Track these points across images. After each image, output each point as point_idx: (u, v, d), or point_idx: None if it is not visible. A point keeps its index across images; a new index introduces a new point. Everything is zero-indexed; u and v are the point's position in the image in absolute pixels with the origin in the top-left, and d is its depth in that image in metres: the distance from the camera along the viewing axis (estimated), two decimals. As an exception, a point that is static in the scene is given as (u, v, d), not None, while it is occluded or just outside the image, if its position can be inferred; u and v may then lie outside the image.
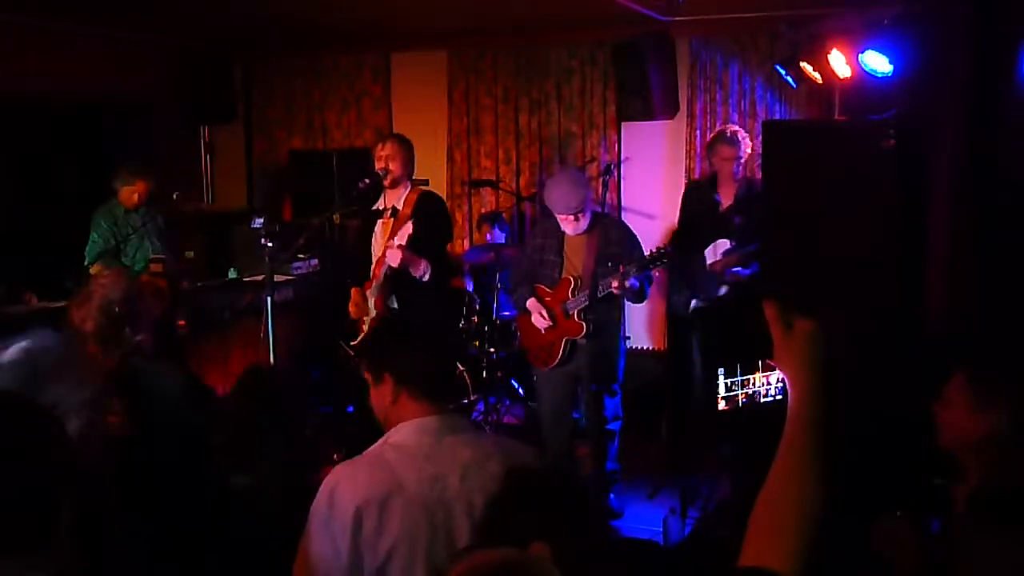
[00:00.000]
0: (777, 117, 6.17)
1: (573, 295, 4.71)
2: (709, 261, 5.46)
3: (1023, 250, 3.63)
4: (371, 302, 4.91)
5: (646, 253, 4.65)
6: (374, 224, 5.00)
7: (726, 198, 5.56)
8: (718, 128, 5.92)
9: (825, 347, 1.42)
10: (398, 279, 4.78)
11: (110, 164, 5.68)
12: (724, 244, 5.45)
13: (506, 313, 6.12)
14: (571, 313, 4.71)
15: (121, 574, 2.01)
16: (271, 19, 6.40)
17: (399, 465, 2.17)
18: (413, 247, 4.63)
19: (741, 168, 5.55)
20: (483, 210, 7.08)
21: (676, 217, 5.95)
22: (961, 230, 3.75)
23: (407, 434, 2.24)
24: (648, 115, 6.34)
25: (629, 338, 6.58)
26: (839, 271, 4.01)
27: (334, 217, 5.94)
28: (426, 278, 4.76)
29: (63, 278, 5.37)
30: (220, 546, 2.17)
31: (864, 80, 4.42)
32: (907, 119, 3.97)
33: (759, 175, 5.86)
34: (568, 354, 4.77)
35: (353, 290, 5.01)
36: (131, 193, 5.51)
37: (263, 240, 4.44)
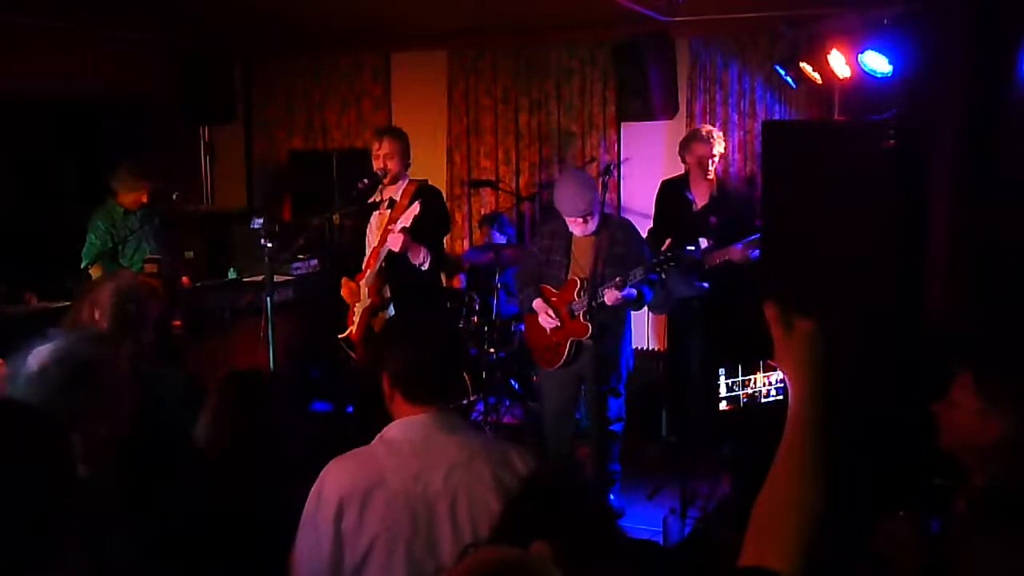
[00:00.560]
0: (777, 117, 6.16)
1: (579, 296, 4.70)
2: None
3: (1023, 250, 3.63)
4: (364, 291, 4.90)
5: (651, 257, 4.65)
6: (369, 216, 4.99)
7: (700, 198, 5.57)
8: (693, 127, 5.94)
9: (825, 347, 1.42)
10: (395, 269, 4.78)
11: (110, 164, 5.67)
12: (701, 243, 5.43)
13: (509, 309, 6.12)
14: (577, 314, 4.71)
15: None
16: (271, 19, 6.40)
17: (386, 460, 2.20)
18: (414, 233, 4.63)
19: (714, 168, 5.55)
20: (483, 210, 7.08)
21: (654, 218, 5.91)
22: (961, 230, 3.75)
23: (398, 431, 2.27)
24: (648, 115, 6.34)
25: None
26: (839, 271, 4.01)
27: (334, 217, 5.94)
28: (425, 266, 4.76)
29: (63, 278, 5.38)
30: (222, 547, 2.17)
31: (864, 80, 4.42)
32: (907, 119, 3.98)
33: (758, 174, 5.88)
34: (573, 355, 4.77)
35: (343, 280, 5.00)
36: (137, 197, 5.49)
37: (263, 240, 4.44)
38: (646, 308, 5.51)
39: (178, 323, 4.99)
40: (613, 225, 4.83)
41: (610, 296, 4.54)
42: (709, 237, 5.35)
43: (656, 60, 6.22)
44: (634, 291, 4.64)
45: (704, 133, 5.60)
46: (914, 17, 4.03)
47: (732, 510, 4.72)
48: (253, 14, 6.18)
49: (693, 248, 5.09)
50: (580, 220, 4.65)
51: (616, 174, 6.66)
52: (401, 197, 4.85)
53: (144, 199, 5.51)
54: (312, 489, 2.20)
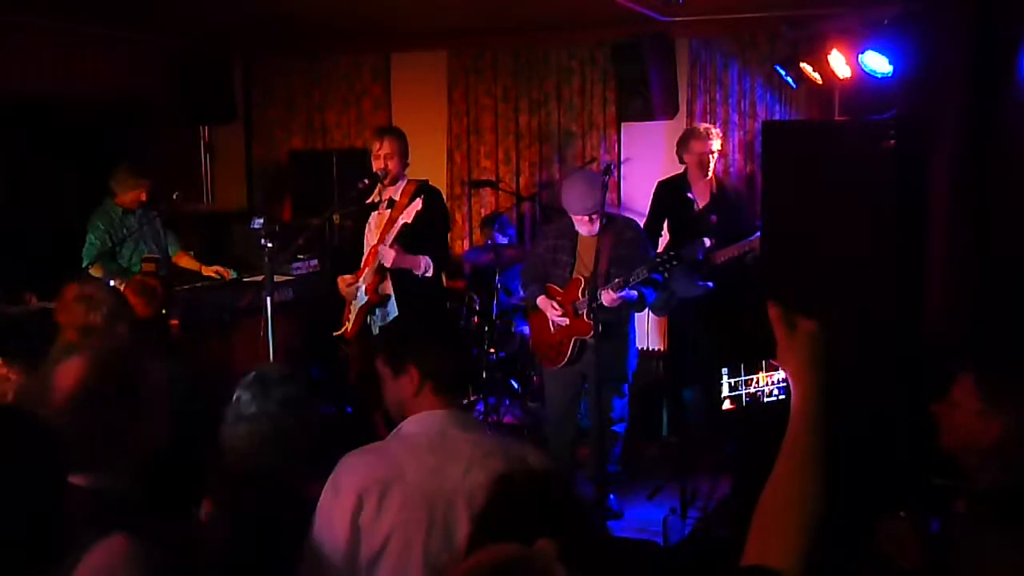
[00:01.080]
0: (777, 117, 6.17)
1: (583, 295, 4.71)
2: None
3: (1023, 250, 3.63)
4: (362, 288, 4.89)
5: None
6: (367, 216, 4.99)
7: (701, 197, 5.56)
8: (690, 126, 5.95)
9: (827, 347, 1.43)
10: (397, 270, 4.79)
11: (110, 164, 5.68)
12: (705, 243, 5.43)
13: (511, 302, 6.12)
14: (581, 312, 4.71)
15: None
16: (271, 19, 6.40)
17: (402, 455, 2.20)
18: (416, 233, 4.63)
19: (712, 165, 5.54)
20: (483, 211, 7.08)
21: (648, 217, 5.90)
22: (961, 230, 3.75)
23: (415, 426, 2.27)
24: (648, 115, 6.34)
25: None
26: (839, 271, 4.01)
27: (334, 217, 5.94)
28: (429, 274, 4.78)
29: (63, 278, 5.37)
30: (253, 550, 2.17)
31: (864, 80, 4.42)
32: (907, 119, 3.98)
33: (758, 174, 5.87)
34: (577, 353, 4.78)
35: (340, 277, 5.00)
36: (136, 196, 5.51)
37: (263, 240, 4.43)
38: (648, 308, 5.52)
39: (175, 322, 4.99)
40: (619, 225, 4.84)
41: (607, 297, 4.55)
42: (711, 236, 5.35)
43: (656, 60, 6.23)
44: (634, 293, 4.64)
45: (701, 130, 5.60)
46: (914, 17, 4.03)
47: (732, 510, 4.72)
48: (253, 14, 6.18)
49: (697, 246, 5.11)
50: (586, 219, 4.65)
51: (616, 174, 6.66)
52: (401, 196, 4.85)
53: (142, 198, 5.52)
54: (327, 484, 2.19)
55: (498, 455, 2.21)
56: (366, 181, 4.86)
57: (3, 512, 1.58)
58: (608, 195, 6.49)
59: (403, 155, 4.88)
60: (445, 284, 5.75)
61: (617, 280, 4.55)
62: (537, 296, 4.85)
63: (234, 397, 2.29)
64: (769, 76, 6.07)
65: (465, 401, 6.04)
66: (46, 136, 6.35)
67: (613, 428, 4.91)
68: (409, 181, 4.92)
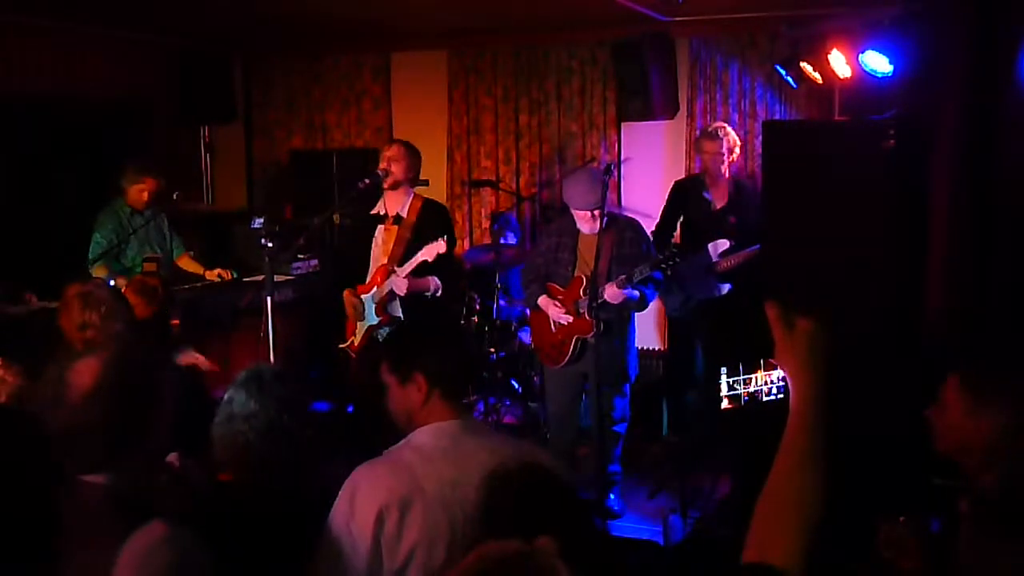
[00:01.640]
0: (777, 117, 6.17)
1: (584, 293, 4.71)
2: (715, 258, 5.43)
3: (1023, 250, 3.63)
4: (371, 309, 4.89)
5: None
6: (373, 228, 4.99)
7: (719, 199, 5.56)
8: (705, 127, 5.94)
9: (826, 346, 1.43)
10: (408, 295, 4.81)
11: (110, 164, 5.68)
12: (719, 245, 5.43)
13: (511, 311, 6.11)
14: (582, 311, 4.71)
15: None
16: (271, 19, 6.40)
17: (419, 468, 2.18)
18: (432, 264, 4.65)
19: (727, 165, 5.53)
20: (484, 211, 7.09)
21: (661, 218, 5.90)
22: (961, 230, 3.75)
23: (428, 437, 2.25)
24: (648, 115, 6.33)
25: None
26: (839, 271, 4.01)
27: (334, 217, 5.94)
28: (439, 294, 4.80)
29: (63, 278, 5.37)
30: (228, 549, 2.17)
31: (864, 80, 4.42)
32: (907, 119, 3.98)
33: (758, 173, 5.87)
34: (578, 352, 4.78)
35: (345, 293, 4.99)
36: (140, 191, 5.51)
37: (263, 240, 4.43)
38: (665, 309, 5.53)
39: (175, 322, 5.00)
40: (621, 224, 4.84)
41: (610, 291, 4.54)
42: (729, 237, 5.35)
43: (656, 60, 6.22)
44: (636, 292, 4.64)
45: (711, 129, 5.60)
46: (914, 17, 4.03)
47: (732, 510, 4.72)
48: (253, 14, 6.18)
49: (705, 249, 5.11)
50: (588, 215, 4.65)
51: (616, 174, 6.66)
52: (409, 213, 4.86)
53: (145, 196, 5.52)
54: (341, 495, 2.17)
55: (514, 461, 2.20)
56: (366, 181, 4.86)
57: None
58: (608, 195, 6.52)
59: (409, 166, 4.86)
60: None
61: (621, 276, 4.55)
62: (538, 296, 4.85)
63: (226, 395, 2.29)
64: (769, 76, 6.07)
65: (465, 401, 6.02)
66: (46, 136, 6.35)
67: (614, 428, 4.91)
68: (415, 196, 4.92)
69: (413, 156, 4.91)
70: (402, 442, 2.29)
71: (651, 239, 4.93)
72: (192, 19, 6.39)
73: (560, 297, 4.80)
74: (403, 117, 7.38)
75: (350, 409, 5.64)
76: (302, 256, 6.34)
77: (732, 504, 4.79)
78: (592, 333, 4.65)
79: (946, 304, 3.81)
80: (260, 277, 5.02)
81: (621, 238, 4.73)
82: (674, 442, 5.75)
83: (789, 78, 5.17)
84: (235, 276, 5.91)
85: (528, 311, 5.23)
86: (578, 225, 4.74)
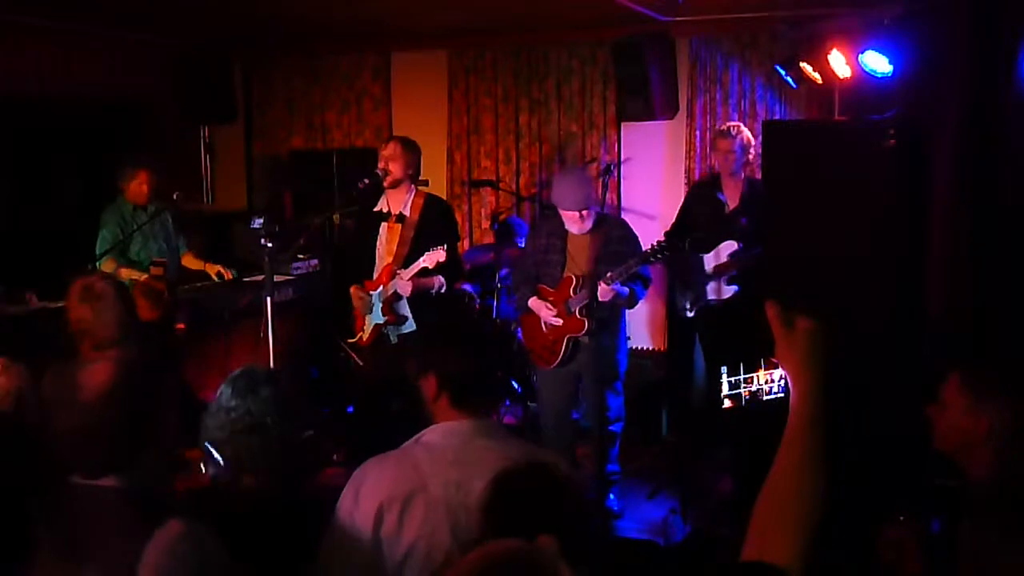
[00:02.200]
0: (777, 117, 6.17)
1: (575, 292, 4.71)
2: (712, 264, 5.42)
3: (1023, 250, 3.63)
4: (378, 307, 4.91)
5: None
6: (377, 225, 5.00)
7: (732, 199, 5.54)
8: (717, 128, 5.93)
9: (826, 345, 1.43)
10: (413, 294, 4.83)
11: (110, 164, 5.69)
12: (730, 246, 5.42)
13: (510, 309, 6.11)
14: (573, 310, 4.72)
15: None
16: (271, 19, 6.40)
17: (426, 465, 2.18)
18: (437, 266, 4.68)
19: (742, 164, 5.52)
20: (484, 211, 7.09)
21: (676, 218, 5.91)
22: (961, 230, 3.75)
23: (438, 435, 2.25)
24: (648, 115, 6.33)
25: (629, 338, 6.58)
26: (839, 271, 4.01)
27: (334, 217, 5.95)
28: (443, 291, 4.82)
29: (63, 278, 5.37)
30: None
31: (864, 80, 4.42)
32: (907, 119, 3.97)
33: (758, 174, 5.86)
34: (570, 352, 4.78)
35: (352, 288, 5.02)
36: (139, 185, 5.55)
37: (263, 240, 4.44)
38: (677, 308, 5.52)
39: (181, 325, 5.01)
40: (610, 224, 4.85)
41: (601, 289, 4.56)
42: (739, 239, 5.34)
43: (656, 60, 6.22)
44: (625, 289, 4.65)
45: (725, 128, 5.58)
46: (914, 17, 4.03)
47: (732, 510, 4.72)
48: (253, 14, 6.18)
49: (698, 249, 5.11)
50: (577, 215, 4.65)
51: (616, 174, 6.66)
52: (411, 211, 4.87)
53: (143, 188, 5.54)
54: (348, 487, 2.18)
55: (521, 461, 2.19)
56: (366, 180, 4.86)
57: None
58: (608, 195, 6.53)
59: (407, 163, 4.87)
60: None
61: (609, 274, 4.56)
62: (528, 298, 4.85)
63: (218, 392, 2.30)
64: (769, 76, 6.07)
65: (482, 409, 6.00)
66: (46, 136, 6.35)
67: (610, 428, 4.91)
68: (417, 193, 4.93)
69: (411, 152, 4.91)
70: (414, 438, 2.28)
71: (639, 240, 4.89)
72: (192, 19, 6.39)
73: (551, 298, 4.80)
74: (403, 117, 7.38)
75: (350, 410, 5.65)
76: (302, 256, 6.34)
77: (732, 504, 4.79)
78: (584, 331, 4.66)
79: (946, 304, 3.80)
80: (260, 277, 5.03)
81: (610, 237, 4.74)
82: (674, 442, 5.75)
83: (789, 78, 5.17)
84: (235, 275, 5.92)
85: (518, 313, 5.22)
86: (566, 225, 4.74)
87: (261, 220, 4.67)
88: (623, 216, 6.63)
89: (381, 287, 4.89)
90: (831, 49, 4.55)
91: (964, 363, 2.32)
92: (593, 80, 6.73)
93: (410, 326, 4.90)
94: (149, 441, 1.95)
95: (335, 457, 4.89)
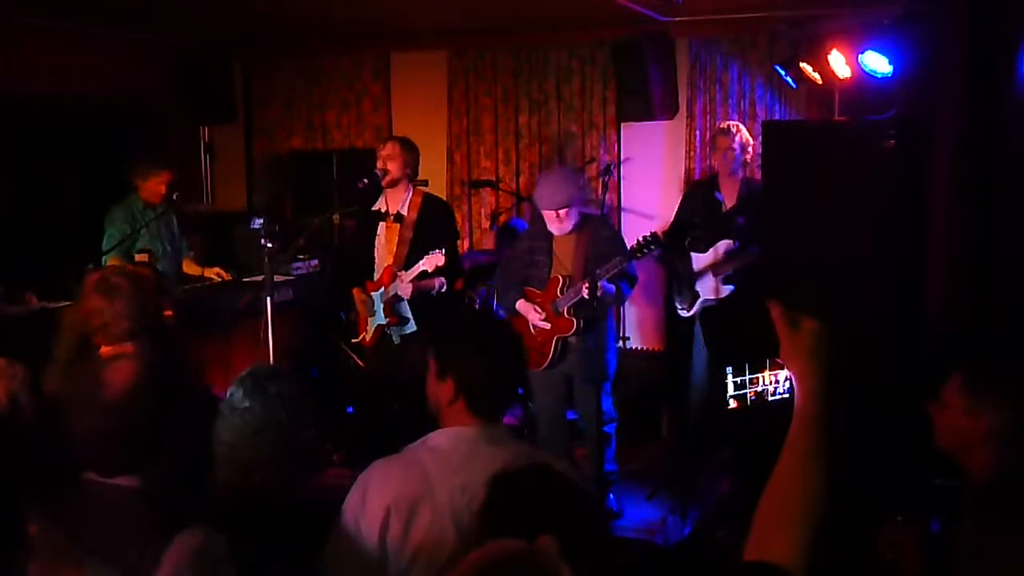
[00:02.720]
0: (777, 117, 6.17)
1: (562, 293, 4.72)
2: (706, 263, 5.42)
3: (1023, 251, 3.63)
4: (380, 309, 4.92)
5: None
6: (375, 225, 5.00)
7: (729, 199, 5.54)
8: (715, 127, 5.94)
9: (830, 345, 1.44)
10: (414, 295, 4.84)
11: (110, 164, 5.69)
12: (726, 246, 5.41)
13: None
14: (561, 310, 4.72)
15: None
16: (271, 19, 6.40)
17: (433, 470, 2.17)
18: (436, 269, 4.69)
19: (740, 163, 5.52)
20: (484, 211, 7.09)
21: (675, 216, 5.90)
22: (961, 230, 3.75)
23: (444, 439, 2.24)
24: (648, 115, 6.33)
25: (628, 339, 6.60)
26: (839, 271, 4.01)
27: (334, 217, 5.95)
28: (443, 291, 4.83)
29: (63, 278, 5.37)
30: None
31: (864, 80, 4.41)
32: (907, 119, 3.97)
33: (758, 174, 5.86)
34: (560, 354, 4.78)
35: (355, 291, 5.02)
36: (158, 184, 5.56)
37: (263, 240, 4.44)
38: (676, 308, 5.52)
39: (169, 312, 5.00)
40: (595, 224, 4.87)
41: (586, 289, 4.55)
42: (735, 238, 5.34)
43: (656, 60, 6.22)
44: (612, 287, 4.65)
45: (725, 127, 5.58)
46: (914, 17, 4.03)
47: (732, 510, 4.72)
48: (253, 14, 6.18)
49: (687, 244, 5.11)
50: (554, 215, 4.65)
51: (616, 174, 6.66)
52: (409, 210, 4.87)
53: (163, 189, 5.56)
54: (354, 491, 2.17)
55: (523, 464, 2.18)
56: (366, 181, 4.87)
57: None
58: (608, 195, 6.53)
59: (405, 161, 4.88)
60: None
61: (597, 271, 4.55)
62: (515, 301, 4.85)
63: (228, 393, 2.29)
64: (769, 76, 6.07)
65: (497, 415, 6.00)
66: (46, 136, 6.35)
67: (604, 429, 4.91)
68: (415, 192, 4.94)
69: (409, 151, 4.92)
70: (420, 440, 2.27)
71: (625, 241, 4.88)
72: (192, 19, 6.38)
73: (538, 300, 4.80)
74: (403, 117, 7.38)
75: (350, 410, 5.65)
76: (302, 256, 6.34)
77: (732, 504, 4.79)
78: (572, 331, 4.66)
79: (946, 304, 3.80)
80: (260, 277, 5.03)
81: (596, 237, 4.73)
82: (674, 442, 5.75)
83: (789, 78, 5.17)
84: (233, 276, 5.92)
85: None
86: (548, 226, 4.73)
87: (261, 220, 4.68)
88: (623, 216, 6.65)
89: (382, 288, 4.90)
90: (831, 49, 4.55)
91: (966, 363, 2.33)
92: (593, 80, 6.73)
93: (412, 327, 4.91)
94: (168, 441, 1.95)
95: (335, 458, 4.90)
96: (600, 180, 6.50)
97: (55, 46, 6.32)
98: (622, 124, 6.71)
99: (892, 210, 3.97)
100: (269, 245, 4.42)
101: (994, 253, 3.68)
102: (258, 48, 7.64)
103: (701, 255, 5.42)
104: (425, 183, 5.26)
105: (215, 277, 5.90)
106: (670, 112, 6.45)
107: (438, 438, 2.24)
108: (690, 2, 5.76)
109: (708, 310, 5.41)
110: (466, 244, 7.12)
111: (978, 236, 3.70)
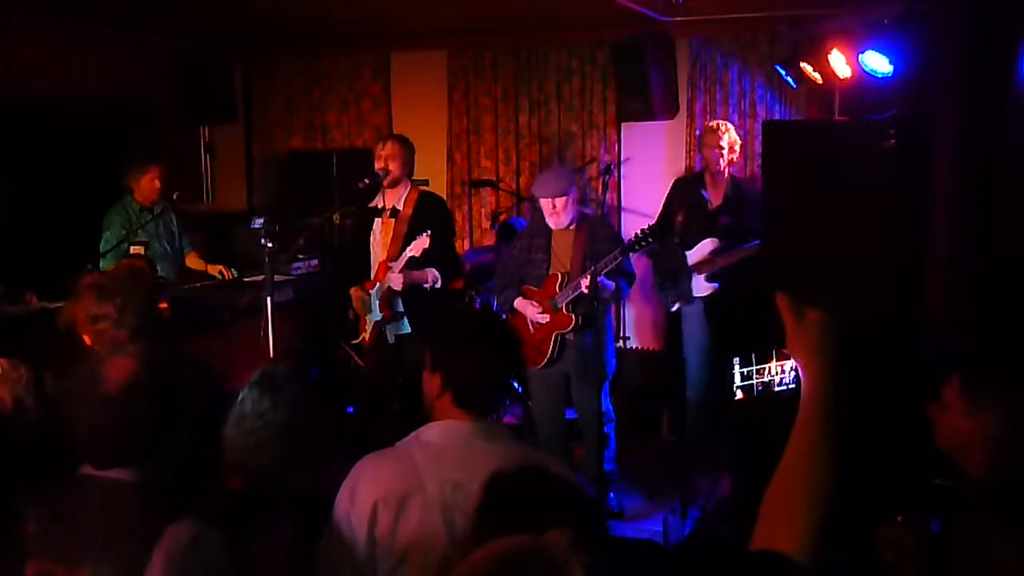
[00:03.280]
0: (777, 117, 6.16)
1: (560, 289, 4.72)
2: (694, 260, 5.42)
3: (1023, 251, 3.63)
4: (376, 305, 4.92)
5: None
6: (371, 222, 5.01)
7: (715, 198, 5.54)
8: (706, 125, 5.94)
9: (836, 336, 1.44)
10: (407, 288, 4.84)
11: (110, 164, 5.69)
12: (711, 243, 5.41)
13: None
14: (560, 307, 4.72)
15: None
16: (271, 19, 6.40)
17: (424, 465, 2.15)
18: (425, 256, 4.68)
19: (726, 163, 5.52)
20: (484, 210, 7.09)
21: (660, 211, 5.88)
22: (961, 230, 3.75)
23: (437, 434, 2.22)
24: (648, 115, 6.33)
25: (628, 338, 6.59)
26: (839, 271, 4.01)
27: (334, 217, 5.94)
28: (438, 285, 4.82)
29: (63, 278, 5.37)
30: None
31: (864, 80, 4.42)
32: (907, 119, 3.97)
33: (758, 174, 5.87)
34: (558, 351, 4.78)
35: (352, 290, 5.03)
36: (151, 180, 5.57)
37: (263, 240, 4.44)
38: (662, 305, 5.52)
39: (164, 304, 4.99)
40: (592, 221, 4.90)
41: (585, 283, 4.56)
42: (719, 237, 5.34)
43: (656, 60, 6.22)
44: (611, 283, 4.65)
45: (712, 124, 5.59)
46: (914, 17, 4.03)
47: (732, 509, 4.72)
48: (253, 14, 6.18)
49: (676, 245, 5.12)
50: (551, 206, 4.65)
51: (616, 174, 6.66)
52: (404, 205, 4.89)
53: (157, 184, 5.56)
54: (344, 486, 2.16)
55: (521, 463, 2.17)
56: (367, 181, 4.88)
57: None
58: (608, 195, 6.53)
59: (405, 161, 4.92)
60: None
61: (593, 267, 4.56)
62: (513, 299, 4.85)
63: (239, 396, 2.27)
64: (769, 76, 6.07)
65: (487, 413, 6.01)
66: (46, 136, 6.35)
67: (603, 429, 4.90)
68: (412, 188, 4.95)
69: (408, 150, 4.95)
70: (412, 435, 2.25)
71: (623, 238, 4.89)
72: (192, 19, 6.38)
73: (536, 298, 4.80)
74: (403, 117, 7.38)
75: (350, 410, 5.64)
76: (302, 256, 6.34)
77: (732, 503, 4.79)
78: (571, 327, 4.67)
79: (946, 305, 3.81)
80: (260, 277, 5.02)
81: (594, 235, 4.75)
82: (674, 442, 5.74)
83: (789, 78, 5.17)
84: (236, 275, 5.92)
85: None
86: (547, 220, 4.74)
87: (261, 220, 4.67)
88: (623, 216, 6.65)
89: (378, 284, 4.91)
90: (831, 49, 4.55)
91: (965, 365, 2.33)
92: (593, 80, 6.73)
93: (406, 327, 4.91)
94: (165, 436, 1.95)
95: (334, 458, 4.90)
96: (600, 180, 6.50)
97: (55, 46, 6.32)
98: (622, 124, 6.71)
99: (892, 210, 3.98)
100: (269, 245, 4.42)
101: (994, 253, 3.68)
102: (258, 48, 7.64)
103: (688, 252, 5.42)
104: (426, 182, 5.27)
105: (218, 274, 5.90)
106: (670, 112, 6.45)
107: (430, 432, 2.23)
108: (690, 2, 5.75)
109: (711, 304, 5.41)
110: (466, 244, 7.13)
111: (978, 236, 3.70)
